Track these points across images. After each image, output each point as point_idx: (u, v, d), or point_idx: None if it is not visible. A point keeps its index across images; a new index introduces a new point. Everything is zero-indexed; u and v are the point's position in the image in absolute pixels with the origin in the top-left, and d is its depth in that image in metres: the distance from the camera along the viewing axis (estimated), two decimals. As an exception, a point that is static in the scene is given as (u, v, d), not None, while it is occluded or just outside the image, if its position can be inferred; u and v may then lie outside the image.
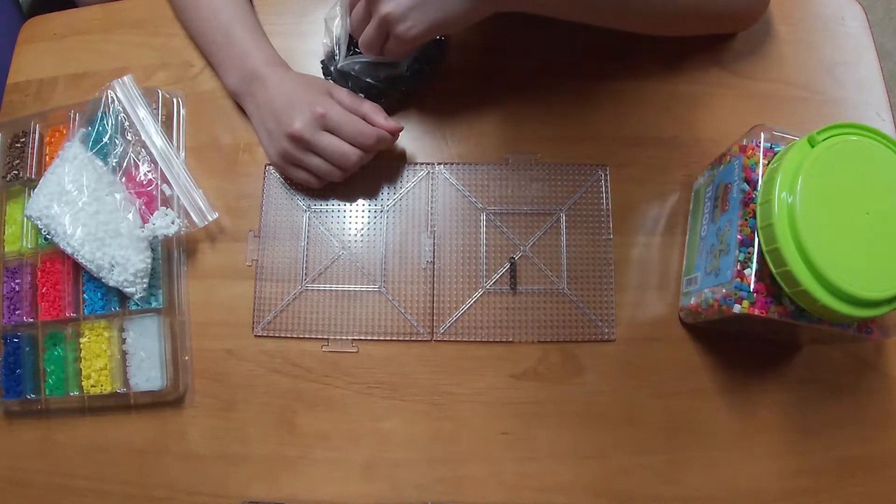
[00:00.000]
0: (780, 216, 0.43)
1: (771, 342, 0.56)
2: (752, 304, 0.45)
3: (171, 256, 0.59)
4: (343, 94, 0.57)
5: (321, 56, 0.63)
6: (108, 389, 0.56)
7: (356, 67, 0.58)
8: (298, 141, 0.55)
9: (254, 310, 0.58)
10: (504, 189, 0.60)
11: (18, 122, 0.64)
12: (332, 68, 0.61)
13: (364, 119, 0.56)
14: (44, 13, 0.71)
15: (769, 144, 0.49)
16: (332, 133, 0.55)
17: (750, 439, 0.54)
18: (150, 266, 0.56)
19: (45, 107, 0.65)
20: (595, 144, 0.61)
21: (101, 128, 0.60)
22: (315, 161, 0.56)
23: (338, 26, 0.60)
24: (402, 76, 0.59)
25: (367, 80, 0.58)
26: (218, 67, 0.62)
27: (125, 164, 0.59)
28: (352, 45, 0.58)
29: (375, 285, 0.58)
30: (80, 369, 0.56)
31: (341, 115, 0.55)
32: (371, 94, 0.60)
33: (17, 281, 0.59)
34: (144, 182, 0.59)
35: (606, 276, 0.58)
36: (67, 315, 0.57)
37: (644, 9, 0.55)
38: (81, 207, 0.55)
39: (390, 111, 0.61)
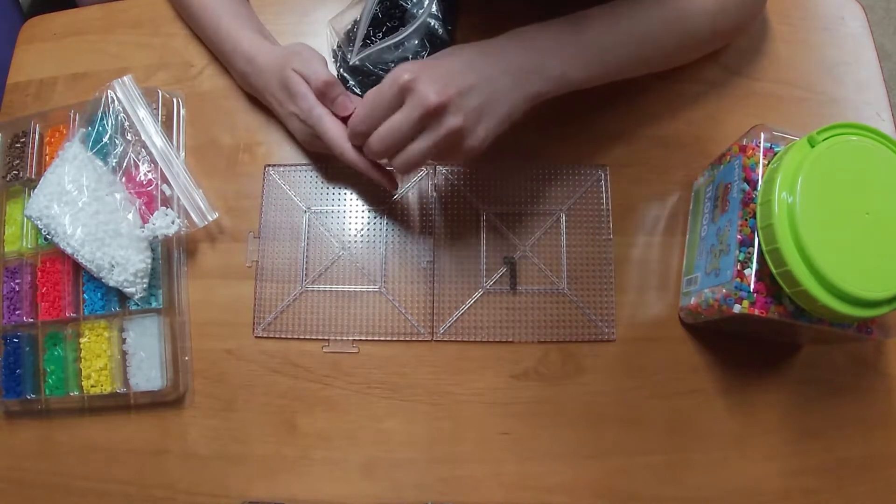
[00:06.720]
0: (780, 216, 0.43)
1: (771, 342, 0.56)
2: (752, 304, 0.45)
3: (171, 256, 0.59)
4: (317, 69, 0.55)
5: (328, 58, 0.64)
6: (108, 389, 0.56)
7: (369, 60, 0.59)
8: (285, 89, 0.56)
9: (254, 311, 0.58)
10: (504, 189, 0.60)
11: (18, 122, 0.64)
12: (341, 69, 0.61)
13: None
14: (44, 13, 0.70)
15: (769, 144, 0.49)
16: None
17: (750, 439, 0.54)
18: (150, 266, 0.56)
19: (45, 107, 0.65)
20: (595, 144, 0.61)
21: (101, 128, 0.60)
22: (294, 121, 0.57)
23: (348, 22, 0.60)
24: None
25: (379, 71, 0.59)
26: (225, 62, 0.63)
27: (125, 164, 0.59)
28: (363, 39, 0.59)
29: (375, 285, 0.58)
30: (80, 369, 0.56)
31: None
32: None
33: (17, 281, 0.59)
34: (144, 182, 0.59)
35: (606, 276, 0.58)
36: (67, 315, 0.57)
37: (658, 53, 0.56)
38: (81, 207, 0.55)
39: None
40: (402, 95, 0.47)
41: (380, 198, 0.60)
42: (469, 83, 0.47)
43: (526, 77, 0.50)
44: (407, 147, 0.49)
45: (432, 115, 0.46)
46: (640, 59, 0.56)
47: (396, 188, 0.58)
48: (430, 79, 0.46)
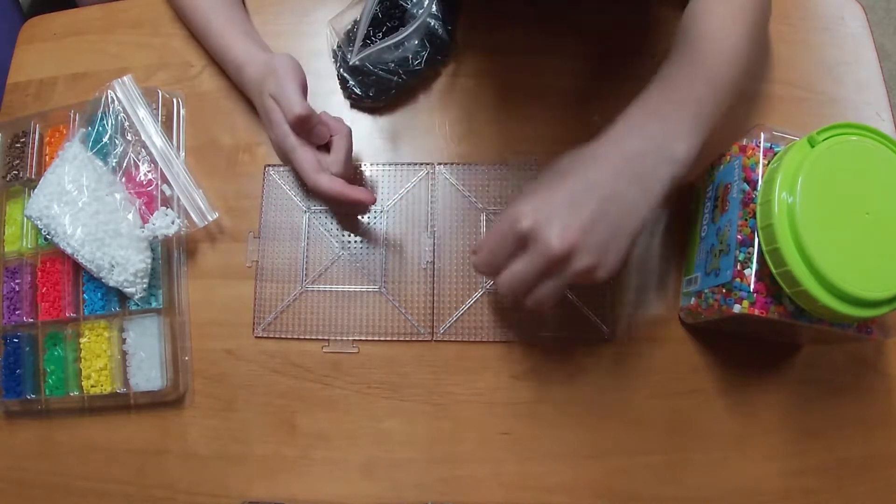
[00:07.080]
0: (780, 216, 0.43)
1: (771, 342, 0.56)
2: (752, 304, 0.45)
3: (171, 256, 0.59)
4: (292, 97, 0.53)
5: (324, 57, 0.63)
6: (108, 389, 0.56)
7: (369, 60, 0.59)
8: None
9: (254, 311, 0.58)
10: (504, 189, 0.60)
11: (18, 122, 0.64)
12: (341, 69, 0.61)
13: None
14: (44, 13, 0.70)
15: (769, 144, 0.49)
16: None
17: (750, 439, 0.54)
18: (150, 266, 0.56)
19: (45, 107, 0.65)
20: (595, 144, 0.61)
21: (101, 128, 0.60)
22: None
23: (348, 22, 0.61)
24: (413, 67, 0.60)
25: (379, 71, 0.59)
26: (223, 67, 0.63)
27: (125, 164, 0.59)
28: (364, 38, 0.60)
29: (375, 286, 0.58)
30: (80, 369, 0.56)
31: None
32: (382, 85, 0.61)
33: (17, 281, 0.59)
34: (144, 182, 0.59)
35: (606, 276, 0.58)
36: (67, 315, 0.57)
37: (748, 72, 0.52)
38: (81, 207, 0.55)
39: (396, 106, 0.62)
40: (523, 243, 0.44)
41: (380, 198, 0.60)
42: (591, 215, 0.43)
43: (651, 172, 0.45)
44: (535, 290, 0.45)
45: (559, 263, 0.43)
46: (731, 101, 0.51)
47: (375, 201, 0.57)
48: (551, 223, 0.43)
